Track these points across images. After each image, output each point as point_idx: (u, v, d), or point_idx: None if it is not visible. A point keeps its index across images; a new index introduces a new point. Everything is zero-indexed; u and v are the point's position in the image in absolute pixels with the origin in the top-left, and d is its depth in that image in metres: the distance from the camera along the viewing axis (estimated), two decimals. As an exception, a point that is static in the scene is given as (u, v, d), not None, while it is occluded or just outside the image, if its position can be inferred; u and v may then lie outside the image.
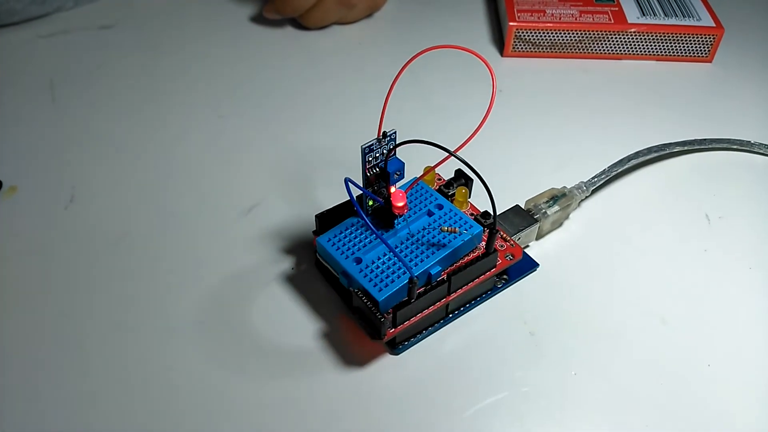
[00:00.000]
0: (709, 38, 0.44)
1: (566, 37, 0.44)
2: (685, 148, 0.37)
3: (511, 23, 0.44)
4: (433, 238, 0.28)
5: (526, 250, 0.32)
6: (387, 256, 0.27)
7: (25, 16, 0.46)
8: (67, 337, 0.29)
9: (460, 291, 0.28)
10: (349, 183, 0.25)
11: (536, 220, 0.32)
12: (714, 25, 0.44)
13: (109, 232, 0.33)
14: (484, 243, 0.29)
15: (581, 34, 0.44)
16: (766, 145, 0.38)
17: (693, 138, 0.38)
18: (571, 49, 0.45)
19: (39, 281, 0.31)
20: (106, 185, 0.36)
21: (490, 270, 0.29)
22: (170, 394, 0.27)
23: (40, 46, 0.45)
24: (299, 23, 0.47)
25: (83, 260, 0.32)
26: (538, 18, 0.44)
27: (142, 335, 0.29)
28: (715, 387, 0.27)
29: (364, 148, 0.27)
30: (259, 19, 0.48)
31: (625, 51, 0.45)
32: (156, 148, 0.38)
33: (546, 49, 0.45)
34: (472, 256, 0.29)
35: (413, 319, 0.27)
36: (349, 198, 0.26)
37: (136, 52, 0.45)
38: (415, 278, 0.26)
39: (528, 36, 0.45)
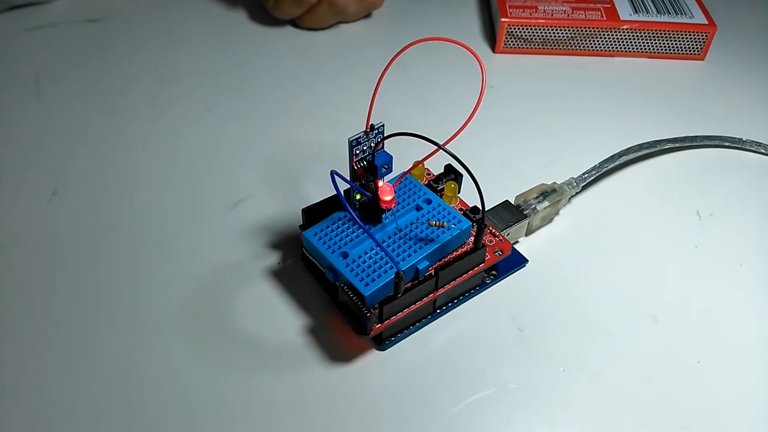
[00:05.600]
0: (702, 36, 0.44)
1: (558, 33, 0.44)
2: (677, 145, 0.37)
3: (503, 19, 0.44)
4: (421, 232, 0.28)
5: (515, 246, 0.32)
6: (374, 251, 0.27)
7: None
8: (49, 331, 0.28)
9: (447, 286, 0.28)
10: (336, 176, 0.25)
11: (526, 216, 0.31)
12: (706, 22, 0.44)
13: (94, 226, 0.33)
14: (472, 238, 0.29)
15: (573, 30, 0.44)
16: (757, 142, 0.38)
17: (684, 135, 0.38)
18: (563, 46, 0.45)
19: (22, 275, 0.30)
20: (91, 179, 0.35)
21: (478, 265, 0.29)
22: (153, 389, 0.26)
23: (26, 39, 0.45)
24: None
25: (66, 254, 0.31)
26: (530, 14, 0.44)
27: (126, 329, 0.28)
28: (704, 384, 0.27)
29: (351, 141, 0.26)
30: (247, 13, 0.48)
31: (617, 48, 0.45)
32: (142, 141, 0.38)
33: (538, 45, 0.45)
34: (460, 251, 0.28)
35: (400, 315, 0.27)
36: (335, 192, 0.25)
37: (124, 46, 0.45)
38: (402, 273, 0.25)
39: (520, 32, 0.44)
